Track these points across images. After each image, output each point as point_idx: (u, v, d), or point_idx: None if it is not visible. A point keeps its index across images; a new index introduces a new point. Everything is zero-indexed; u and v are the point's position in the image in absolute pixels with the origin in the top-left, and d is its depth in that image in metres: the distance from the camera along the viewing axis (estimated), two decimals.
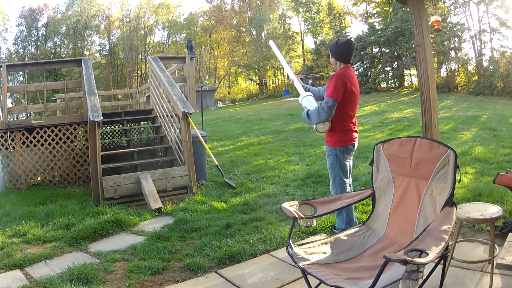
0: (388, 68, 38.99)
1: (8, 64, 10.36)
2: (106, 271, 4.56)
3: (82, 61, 9.86)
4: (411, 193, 3.06)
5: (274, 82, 57.84)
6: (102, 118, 7.59)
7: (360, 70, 40.91)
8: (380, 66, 38.98)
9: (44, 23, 60.24)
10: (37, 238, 5.78)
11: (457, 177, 2.81)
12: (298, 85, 5.05)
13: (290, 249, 2.94)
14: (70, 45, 60.54)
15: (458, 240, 3.65)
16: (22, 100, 46.69)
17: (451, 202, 2.72)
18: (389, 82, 39.53)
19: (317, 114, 4.39)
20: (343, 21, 53.49)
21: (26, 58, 57.23)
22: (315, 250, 2.99)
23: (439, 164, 2.86)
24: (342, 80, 4.43)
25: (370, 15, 46.03)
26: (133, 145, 10.73)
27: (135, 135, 12.61)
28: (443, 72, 34.81)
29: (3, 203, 8.14)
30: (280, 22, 56.40)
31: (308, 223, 3.20)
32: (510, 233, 3.30)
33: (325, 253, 2.98)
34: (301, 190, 7.45)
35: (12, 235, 6.07)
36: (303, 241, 3.67)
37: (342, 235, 3.23)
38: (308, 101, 4.72)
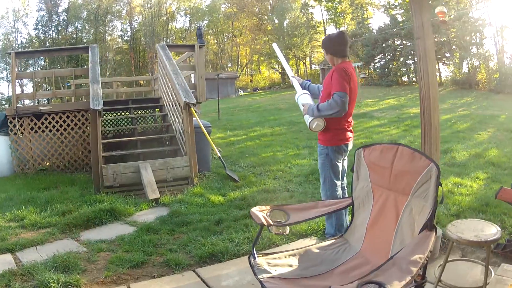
0: (410, 62, 38.00)
1: (16, 51, 10.50)
2: (89, 260, 4.56)
3: (90, 49, 9.87)
4: (390, 208, 2.81)
5: (297, 71, 57.24)
6: (102, 106, 7.56)
7: (381, 62, 40.20)
8: (401, 59, 38.10)
9: (64, 8, 60.43)
10: (33, 224, 5.86)
11: (439, 196, 2.51)
12: (296, 84, 4.91)
13: (252, 259, 2.74)
14: (92, 31, 60.65)
15: (453, 259, 3.41)
16: (44, 84, 47.27)
17: (430, 225, 2.45)
18: (410, 76, 38.59)
19: (329, 107, 4.13)
20: (365, 11, 52.64)
21: (47, 43, 57.68)
22: (280, 262, 2.77)
23: (420, 179, 2.59)
24: (346, 72, 4.20)
25: (392, 6, 44.84)
26: (138, 133, 10.66)
27: (149, 123, 12.55)
28: (464, 68, 33.87)
29: (8, 187, 8.29)
30: (302, 11, 55.68)
31: (280, 231, 3.02)
32: (502, 264, 2.99)
33: (291, 266, 2.76)
34: (302, 186, 7.25)
35: (11, 219, 6.18)
36: (269, 251, 3.45)
37: (314, 247, 3.00)
38: (304, 99, 4.55)
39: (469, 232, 3.01)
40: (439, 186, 2.49)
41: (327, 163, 4.41)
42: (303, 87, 4.87)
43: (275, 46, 5.72)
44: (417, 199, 2.61)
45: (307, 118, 4.34)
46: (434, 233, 2.40)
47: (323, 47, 4.55)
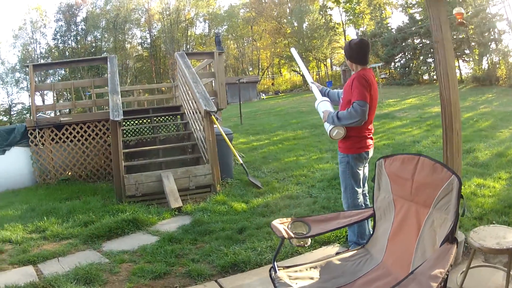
0: (430, 60, 37.38)
1: (34, 64, 10.64)
2: (111, 272, 4.58)
3: (108, 59, 10.00)
4: (411, 220, 2.75)
5: (318, 73, 57.16)
6: (122, 117, 7.63)
7: (401, 61, 39.87)
8: (421, 57, 37.64)
9: (83, 18, 61.51)
10: (55, 235, 5.91)
11: (461, 209, 2.44)
12: (315, 90, 4.83)
13: (273, 272, 2.72)
14: (111, 39, 61.46)
15: (475, 265, 3.33)
16: (65, 93, 48.05)
17: (451, 238, 2.38)
18: (431, 74, 37.98)
19: (349, 116, 4.08)
20: (383, 11, 52.33)
21: (67, 52, 58.89)
22: (301, 274, 2.75)
23: (441, 192, 2.53)
24: (366, 80, 4.13)
25: (410, 5, 44.44)
26: (159, 142, 10.69)
27: (170, 131, 12.60)
28: (484, 65, 33.30)
29: (30, 198, 8.41)
30: (321, 13, 55.56)
31: (301, 243, 2.99)
32: None
33: (312, 278, 2.73)
34: (325, 192, 7.15)
35: (33, 231, 6.24)
36: (291, 263, 3.40)
37: (336, 259, 2.97)
38: (324, 106, 4.49)
39: (491, 240, 2.99)
40: (461, 199, 2.43)
41: (347, 171, 4.36)
42: (323, 93, 4.81)
43: (293, 51, 5.67)
44: (438, 211, 2.55)
45: (327, 126, 4.29)
46: (455, 246, 2.35)
47: (344, 52, 4.52)
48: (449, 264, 2.17)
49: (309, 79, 5.12)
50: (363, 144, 4.32)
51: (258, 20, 61.67)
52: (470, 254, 3.19)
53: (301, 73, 56.96)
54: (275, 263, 2.78)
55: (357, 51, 4.30)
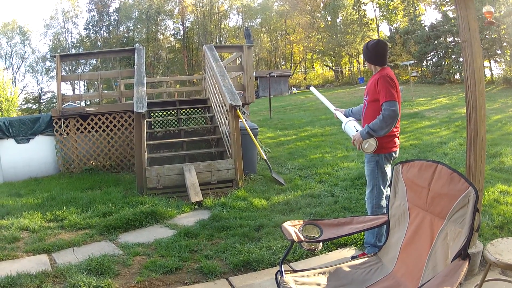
0: (462, 59, 36.11)
1: (61, 54, 10.74)
2: (124, 264, 4.58)
3: (136, 51, 10.01)
4: (425, 230, 2.63)
5: (350, 69, 56.64)
6: (146, 109, 7.64)
7: (434, 60, 38.89)
8: (454, 56, 36.59)
9: (115, 8, 62.12)
10: (72, 225, 5.96)
11: (476, 224, 2.32)
12: (340, 115, 4.70)
13: (280, 276, 2.64)
14: (144, 30, 61.90)
15: (490, 278, 3.17)
16: (95, 83, 48.77)
17: (464, 254, 2.26)
18: (462, 74, 36.84)
19: (382, 123, 3.95)
20: (416, 8, 51.26)
21: (99, 42, 59.75)
22: (308, 280, 2.65)
23: (457, 203, 2.41)
24: (391, 79, 4.03)
25: (444, 2, 43.21)
26: (184, 134, 10.68)
27: (196, 124, 12.62)
28: None
29: (52, 186, 8.51)
30: (354, 8, 54.81)
31: (312, 246, 2.90)
32: None
33: (318, 285, 2.63)
34: (347, 191, 6.98)
35: (51, 220, 6.32)
36: (304, 266, 3.32)
37: (345, 265, 2.86)
38: (351, 124, 4.36)
39: (508, 254, 2.82)
40: (477, 212, 2.31)
41: (377, 171, 4.21)
42: (347, 115, 4.71)
43: (312, 89, 5.71)
44: (453, 224, 2.43)
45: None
46: (467, 263, 2.22)
47: (363, 54, 4.42)
48: (458, 282, 2.05)
49: (331, 107, 5.00)
50: (392, 144, 4.22)
51: (291, 13, 61.29)
52: (486, 266, 3.03)
53: (333, 67, 56.60)
54: (282, 266, 2.70)
55: (375, 53, 4.22)
